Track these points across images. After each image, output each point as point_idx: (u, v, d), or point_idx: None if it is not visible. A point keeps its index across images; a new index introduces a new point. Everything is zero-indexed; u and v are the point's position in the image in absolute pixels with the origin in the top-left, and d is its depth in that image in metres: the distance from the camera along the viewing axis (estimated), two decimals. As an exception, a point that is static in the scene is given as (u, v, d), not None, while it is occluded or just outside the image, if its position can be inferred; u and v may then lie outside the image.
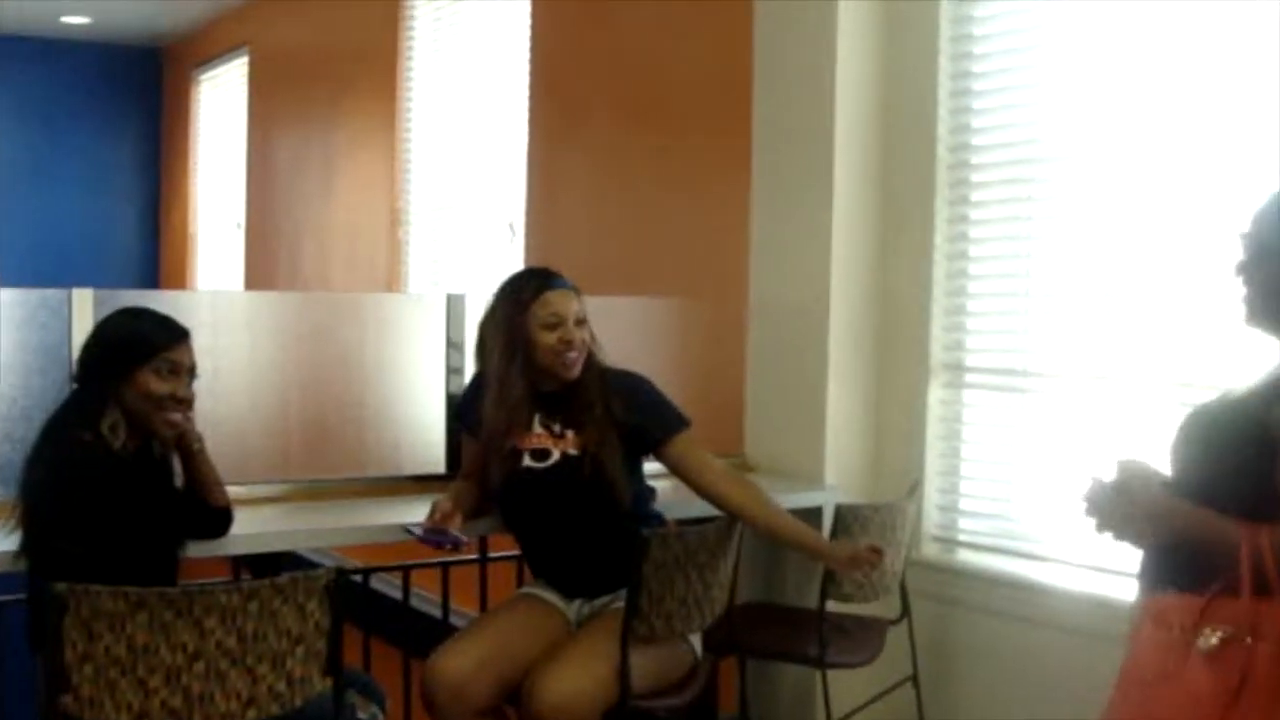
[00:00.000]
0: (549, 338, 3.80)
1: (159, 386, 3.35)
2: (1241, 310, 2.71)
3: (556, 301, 3.82)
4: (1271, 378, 2.63)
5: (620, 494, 3.81)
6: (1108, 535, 2.65)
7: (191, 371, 3.45)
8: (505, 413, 3.86)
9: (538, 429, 3.88)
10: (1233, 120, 3.85)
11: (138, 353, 3.35)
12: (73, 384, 3.44)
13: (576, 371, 3.85)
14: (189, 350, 3.45)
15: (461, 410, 4.18)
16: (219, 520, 3.64)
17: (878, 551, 3.85)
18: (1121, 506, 2.61)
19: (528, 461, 3.87)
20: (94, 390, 3.34)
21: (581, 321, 3.85)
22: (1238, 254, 2.69)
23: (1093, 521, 2.65)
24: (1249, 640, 2.45)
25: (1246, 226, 2.69)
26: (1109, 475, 2.65)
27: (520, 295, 3.85)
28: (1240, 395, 2.66)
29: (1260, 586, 2.43)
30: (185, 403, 3.43)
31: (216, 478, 3.62)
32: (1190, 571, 2.55)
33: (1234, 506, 2.51)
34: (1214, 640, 2.48)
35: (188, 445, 3.58)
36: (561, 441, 3.85)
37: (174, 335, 3.43)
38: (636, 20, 6.28)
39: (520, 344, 3.82)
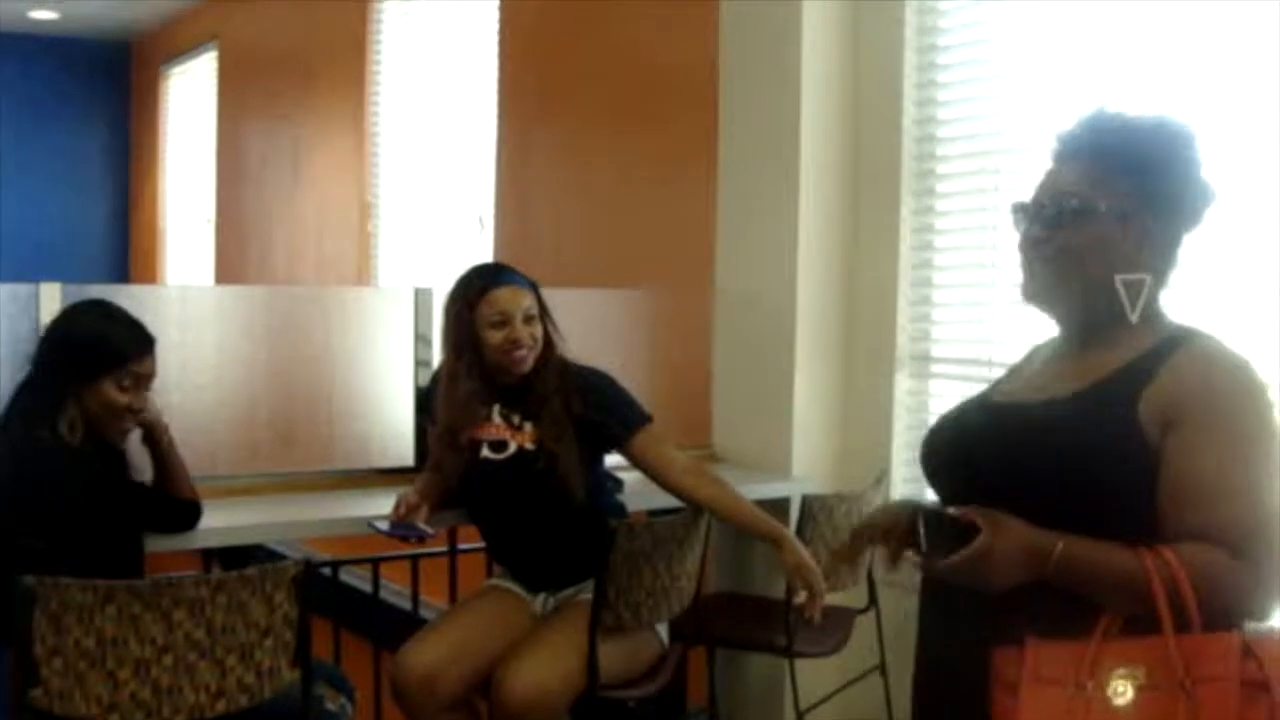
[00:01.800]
0: (495, 336, 3.80)
1: (119, 398, 3.36)
2: (1029, 283, 2.43)
3: (503, 299, 3.81)
4: (1104, 373, 2.31)
5: (573, 489, 3.81)
6: (951, 577, 2.24)
7: (150, 380, 3.46)
8: (455, 409, 3.88)
9: (497, 419, 3.88)
10: (1190, 113, 3.88)
11: (106, 362, 3.35)
12: (31, 369, 3.42)
13: (527, 368, 3.85)
14: (153, 360, 3.45)
15: (425, 402, 4.20)
16: (187, 513, 3.65)
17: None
18: (982, 549, 2.17)
19: (486, 452, 3.88)
20: (54, 388, 3.34)
21: (531, 318, 3.84)
22: (1032, 222, 2.40)
23: (931, 562, 2.26)
24: (1188, 684, 2.08)
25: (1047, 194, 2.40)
26: (945, 510, 2.30)
27: (467, 294, 3.85)
28: (1062, 399, 2.32)
29: (1180, 621, 2.10)
30: (139, 412, 3.45)
31: (184, 471, 3.64)
32: (1048, 613, 2.18)
33: (1106, 529, 2.18)
34: (1129, 692, 2.12)
35: (156, 438, 3.59)
36: (519, 434, 3.86)
37: (144, 347, 3.43)
38: (605, 14, 6.29)
39: (468, 342, 3.82)
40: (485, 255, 6.69)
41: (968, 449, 2.40)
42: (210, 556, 4.19)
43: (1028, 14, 4.36)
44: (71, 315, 3.52)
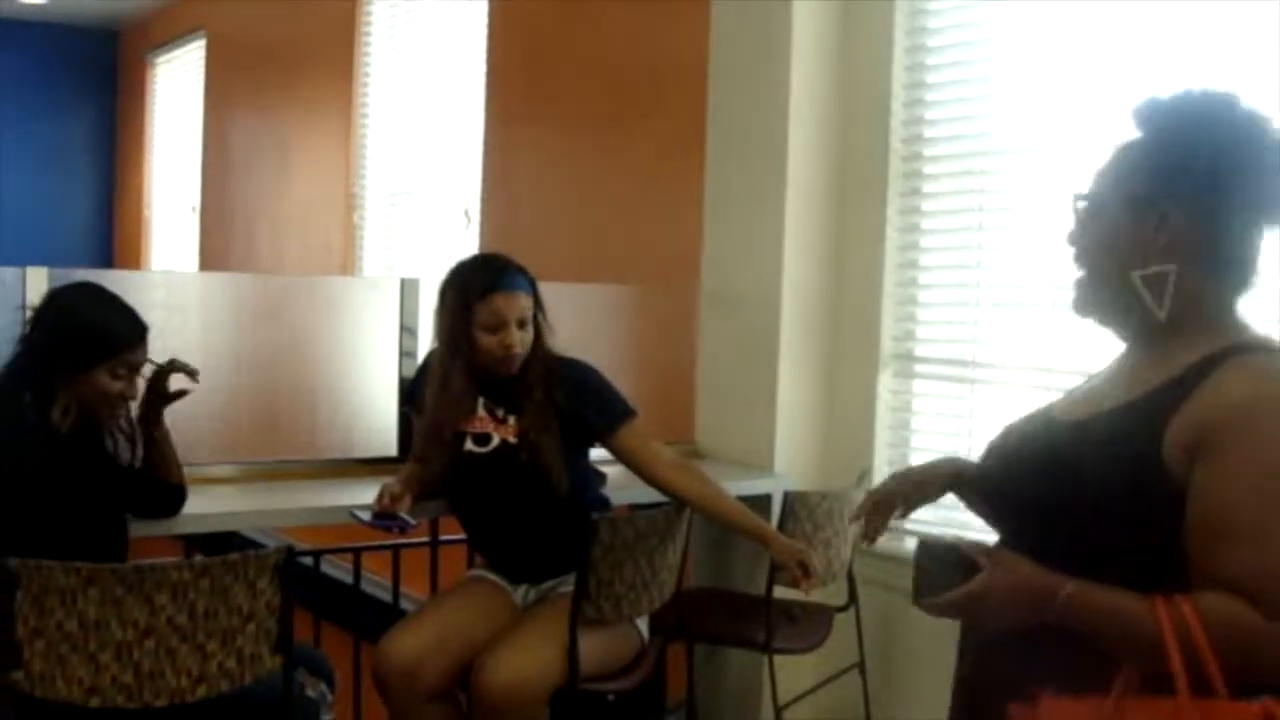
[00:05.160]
0: (489, 340, 3.80)
1: (113, 386, 3.36)
2: (1073, 295, 2.25)
3: (501, 305, 3.80)
4: (1145, 389, 2.08)
5: (556, 481, 3.81)
6: (953, 618, 2.15)
7: (141, 368, 3.47)
8: (446, 403, 3.88)
9: (481, 413, 3.89)
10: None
11: (102, 351, 3.34)
12: (20, 350, 3.41)
13: (515, 369, 3.85)
14: (145, 348, 3.45)
15: (411, 392, 4.20)
16: (172, 498, 3.65)
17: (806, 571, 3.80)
18: (977, 590, 2.03)
19: (470, 445, 3.88)
20: (46, 373, 3.33)
21: (525, 322, 3.84)
22: (1070, 221, 2.25)
23: (934, 603, 2.09)
24: None
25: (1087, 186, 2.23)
26: (946, 543, 2.14)
27: (468, 292, 3.84)
28: (1099, 415, 2.12)
29: (1197, 678, 1.86)
30: (131, 399, 3.45)
31: (175, 454, 3.64)
32: (1067, 666, 1.99)
33: (1121, 573, 1.96)
34: None
35: (155, 420, 3.59)
36: (503, 427, 3.86)
37: (139, 335, 3.43)
38: (594, 9, 6.30)
39: (462, 340, 3.82)
40: (471, 249, 6.68)
41: (1002, 467, 2.26)
42: (191, 544, 4.19)
43: (1016, 16, 4.37)
44: (66, 301, 3.49)
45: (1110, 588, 1.95)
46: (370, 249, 8.14)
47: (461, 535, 4.26)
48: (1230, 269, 2.10)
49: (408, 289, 4.74)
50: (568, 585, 3.82)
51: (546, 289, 3.98)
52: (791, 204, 4.77)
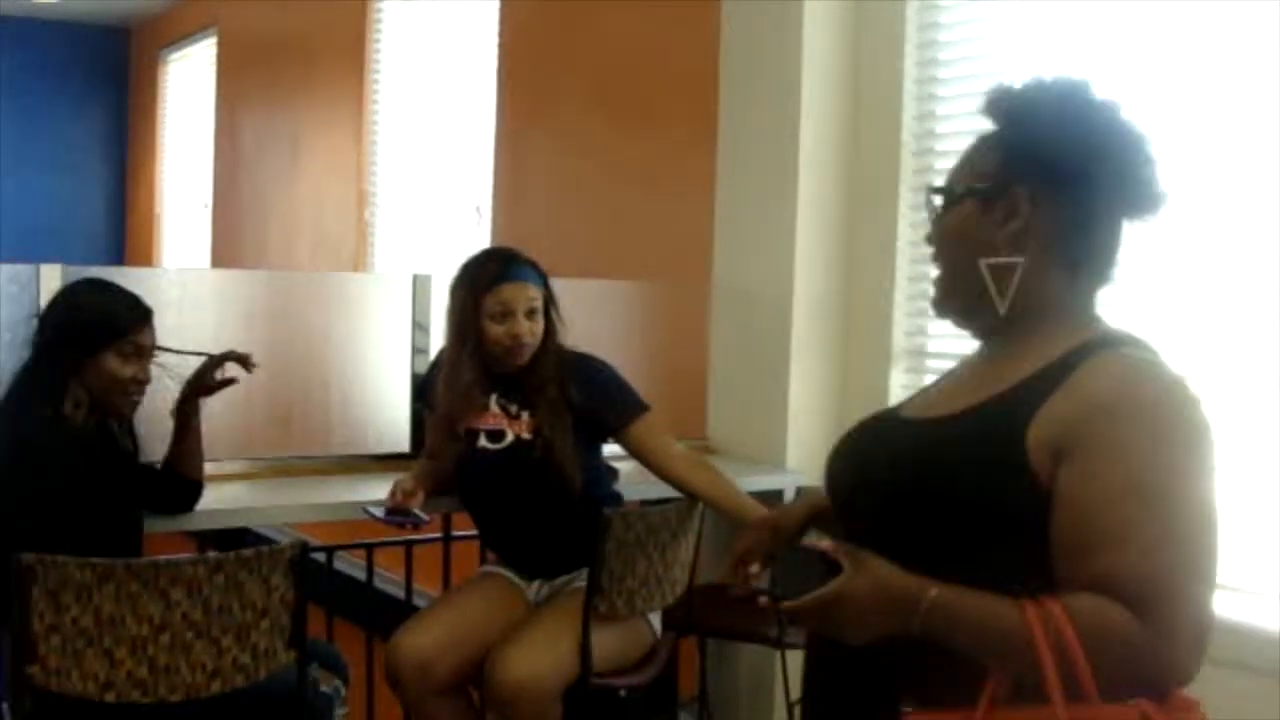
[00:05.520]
0: (496, 330, 3.81)
1: (123, 370, 3.37)
2: (932, 293, 2.16)
3: (509, 294, 3.82)
4: (1004, 386, 1.98)
5: (570, 477, 3.82)
6: (809, 624, 1.99)
7: (151, 352, 3.48)
8: (455, 396, 3.89)
9: (494, 409, 3.90)
10: (1191, 115, 3.89)
11: (105, 334, 3.36)
12: (31, 352, 3.43)
13: (524, 360, 3.86)
14: (152, 331, 3.46)
15: (423, 388, 4.21)
16: (189, 493, 3.67)
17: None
18: (834, 593, 1.86)
19: (483, 442, 3.89)
20: (56, 367, 3.35)
21: (534, 311, 3.86)
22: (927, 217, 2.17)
23: (790, 606, 1.90)
24: None
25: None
26: (807, 547, 2.00)
27: (476, 284, 3.85)
28: (957, 414, 2.01)
29: (1070, 685, 1.76)
30: (144, 384, 3.46)
31: (201, 450, 3.66)
32: (930, 677, 1.89)
33: (987, 577, 1.84)
34: None
35: (190, 411, 3.61)
36: (516, 423, 3.87)
37: (142, 317, 3.44)
38: (605, 6, 6.30)
39: (471, 332, 3.84)
40: (483, 245, 6.68)
41: (854, 470, 2.13)
42: (204, 540, 4.20)
43: (1028, 14, 4.37)
44: (67, 294, 3.53)
45: (977, 591, 1.83)
46: (382, 245, 8.15)
47: (474, 531, 4.27)
48: (1086, 261, 2.04)
49: (420, 285, 4.75)
50: (581, 581, 3.83)
51: (558, 285, 3.99)
52: (803, 200, 4.78)
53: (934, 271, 2.14)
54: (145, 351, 3.44)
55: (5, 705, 3.18)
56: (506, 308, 3.80)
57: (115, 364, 3.36)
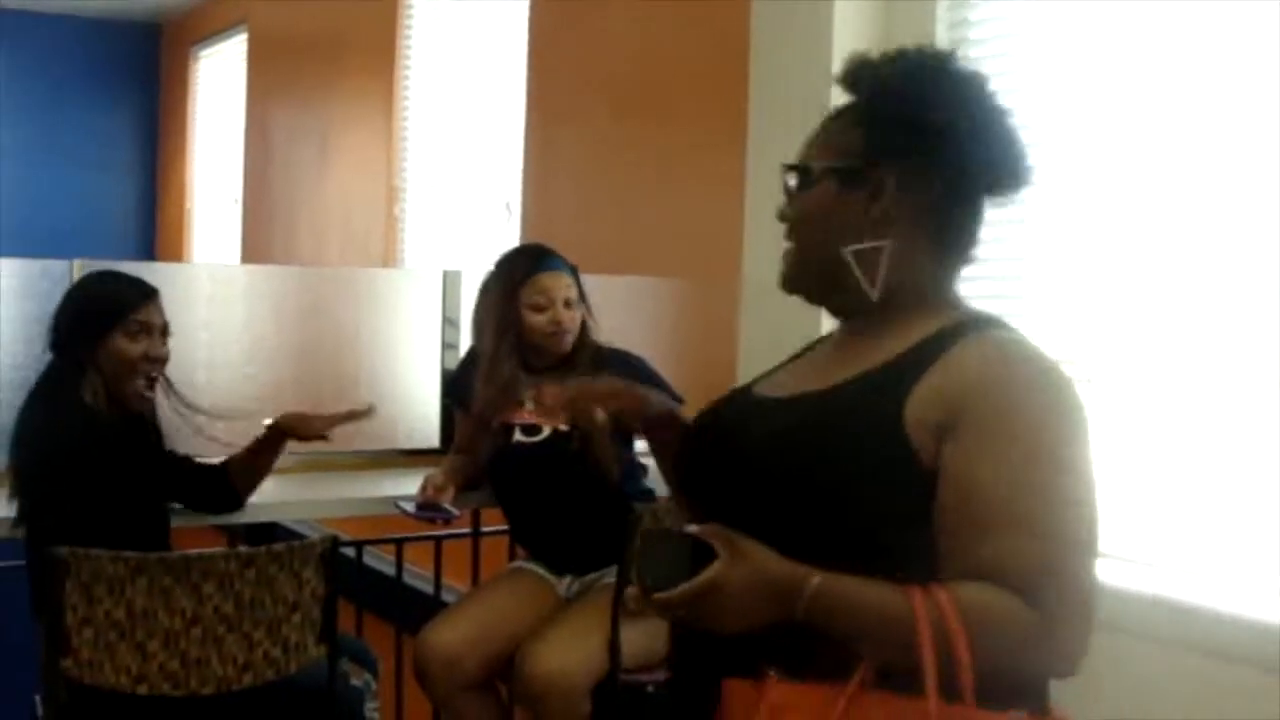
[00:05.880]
0: (537, 319, 3.84)
1: (131, 348, 3.41)
2: (782, 269, 2.12)
3: (547, 282, 3.86)
4: (873, 365, 1.90)
5: (608, 469, 3.82)
6: (683, 618, 1.80)
7: (164, 330, 3.50)
8: (495, 390, 3.91)
9: (530, 404, 3.91)
10: (1225, 114, 3.88)
11: (108, 316, 3.41)
12: (50, 352, 3.48)
13: (567, 348, 3.89)
14: (158, 309, 3.49)
15: (454, 385, 4.23)
16: (229, 502, 3.72)
17: None
18: (709, 582, 1.71)
19: (519, 436, 3.91)
20: (70, 358, 3.40)
21: (571, 302, 3.89)
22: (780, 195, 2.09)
23: (662, 599, 1.74)
24: None
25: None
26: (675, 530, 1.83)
27: (512, 276, 3.89)
28: (827, 390, 1.92)
29: (949, 681, 1.66)
30: (159, 361, 3.49)
31: (261, 478, 3.78)
32: (798, 647, 1.76)
33: (873, 564, 1.74)
34: None
35: (273, 444, 3.76)
36: (553, 418, 3.89)
37: (142, 294, 3.48)
38: (636, 3, 6.31)
39: (511, 324, 3.86)
40: (512, 241, 6.70)
41: (721, 451, 2.00)
42: (234, 535, 4.23)
43: (1059, 16, 4.36)
44: (74, 287, 3.63)
45: (861, 579, 1.72)
46: (411, 241, 8.17)
47: (504, 526, 4.28)
48: (955, 241, 1.98)
49: (449, 281, 4.77)
50: (611, 576, 3.83)
51: (587, 281, 4.00)
52: (832, 198, 4.76)
53: (784, 245, 2.08)
54: (154, 329, 3.47)
55: (39, 697, 3.21)
56: (546, 296, 3.84)
57: (124, 344, 3.41)
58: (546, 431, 3.88)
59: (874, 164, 1.93)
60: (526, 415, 3.90)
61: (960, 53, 4.43)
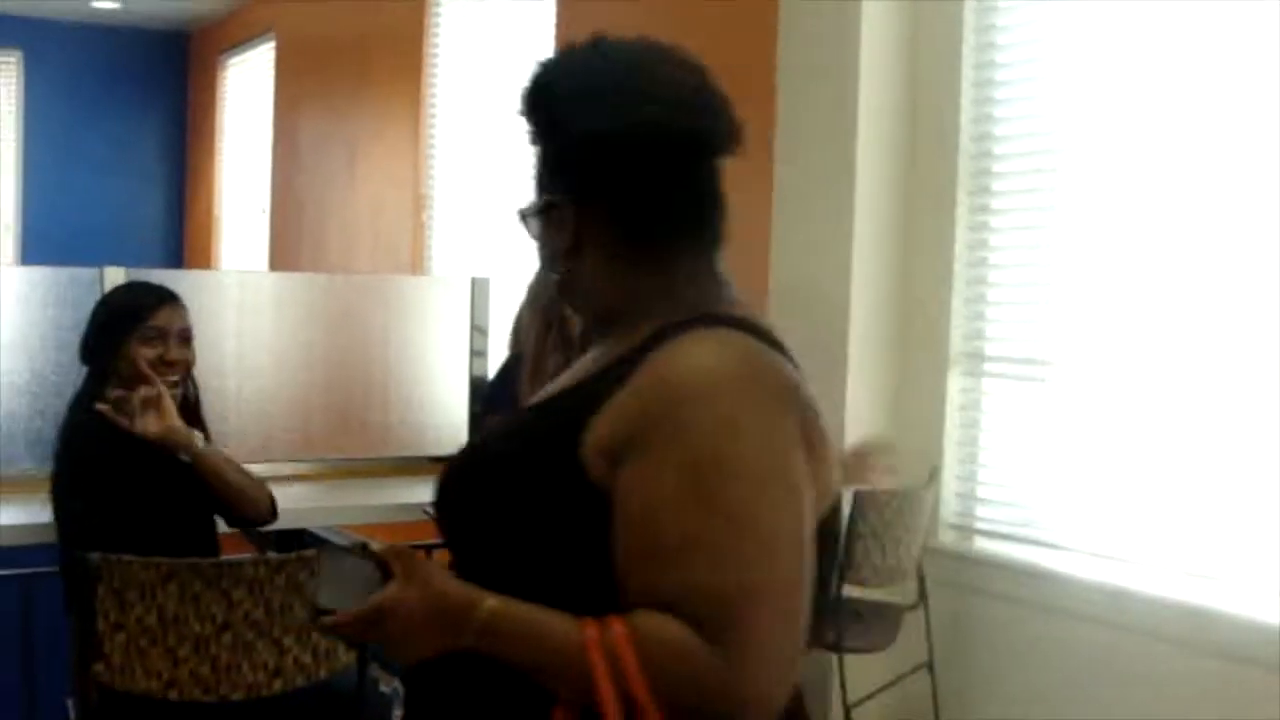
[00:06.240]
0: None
1: (146, 353, 3.43)
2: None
3: None
4: (574, 382, 1.79)
5: None
6: (354, 639, 1.77)
7: (182, 335, 3.52)
8: (541, 387, 3.91)
9: None
10: (1249, 115, 3.87)
11: (125, 324, 3.46)
12: (82, 363, 3.54)
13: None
14: (176, 313, 3.51)
15: (491, 394, 4.22)
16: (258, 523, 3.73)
17: None
18: (379, 604, 1.61)
19: None
20: (96, 366, 3.46)
21: None
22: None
23: (330, 622, 1.66)
24: None
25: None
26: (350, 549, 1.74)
27: None
28: (536, 405, 1.84)
29: (628, 716, 1.53)
30: (177, 365, 3.50)
31: (244, 493, 3.63)
32: (482, 696, 1.67)
33: (556, 593, 1.61)
34: None
35: (194, 456, 3.52)
36: None
37: (157, 300, 3.51)
38: (662, 7, 6.31)
39: (556, 320, 3.86)
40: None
41: (447, 471, 1.86)
42: (263, 541, 4.24)
43: (1086, 15, 4.35)
44: (100, 300, 3.66)
45: (539, 607, 1.59)
46: (439, 248, 8.17)
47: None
48: (648, 247, 1.83)
49: (478, 288, 4.78)
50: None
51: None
52: (860, 202, 4.76)
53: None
54: (169, 333, 3.49)
55: (70, 701, 3.23)
56: None
57: (139, 349, 3.44)
58: None
59: (550, 199, 1.81)
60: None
61: (987, 55, 4.44)
